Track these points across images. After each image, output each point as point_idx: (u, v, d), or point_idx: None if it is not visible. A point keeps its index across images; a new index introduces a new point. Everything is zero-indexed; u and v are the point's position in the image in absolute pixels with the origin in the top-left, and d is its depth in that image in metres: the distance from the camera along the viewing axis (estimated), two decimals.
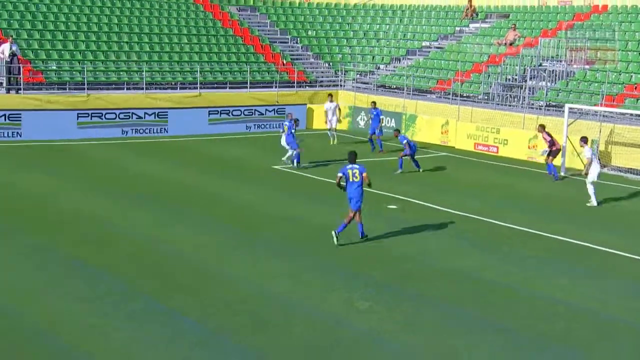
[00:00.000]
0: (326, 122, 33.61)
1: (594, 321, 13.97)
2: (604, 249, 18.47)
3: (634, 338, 13.21)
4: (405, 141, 27.45)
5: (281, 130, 28.65)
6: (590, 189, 22.71)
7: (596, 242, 18.92)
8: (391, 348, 12.40)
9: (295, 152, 27.31)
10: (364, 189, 17.75)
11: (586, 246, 18.69)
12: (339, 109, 34.19)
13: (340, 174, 17.82)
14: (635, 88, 31.31)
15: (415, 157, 27.51)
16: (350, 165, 17.87)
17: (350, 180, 17.67)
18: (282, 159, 27.92)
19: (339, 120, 34.12)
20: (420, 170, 27.60)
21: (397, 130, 29.24)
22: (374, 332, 13.05)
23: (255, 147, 31.81)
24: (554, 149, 27.10)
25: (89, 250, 17.23)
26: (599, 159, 23.78)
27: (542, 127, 27.61)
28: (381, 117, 33.14)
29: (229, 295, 14.67)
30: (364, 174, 17.73)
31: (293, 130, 27.58)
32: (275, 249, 17.79)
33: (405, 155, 27.29)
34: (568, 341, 12.94)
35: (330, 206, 21.91)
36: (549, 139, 27.11)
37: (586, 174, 23.10)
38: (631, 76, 32.37)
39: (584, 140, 24.17)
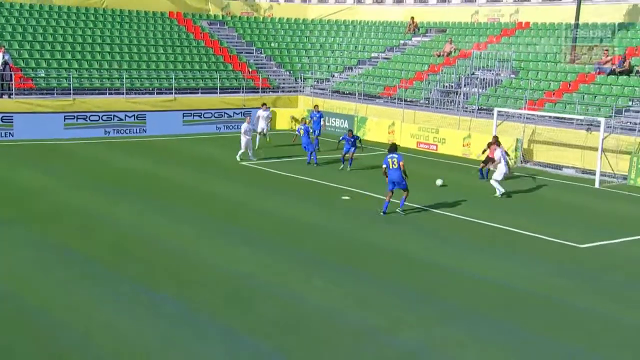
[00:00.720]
0: (257, 128, 31.02)
1: (507, 290, 14.34)
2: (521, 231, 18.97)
3: (540, 305, 13.63)
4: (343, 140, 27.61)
5: (297, 133, 29.01)
6: (494, 184, 22.84)
7: (515, 225, 19.34)
8: (346, 321, 12.58)
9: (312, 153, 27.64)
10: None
11: (501, 228, 19.13)
12: (270, 118, 32.73)
13: (384, 165, 19.59)
14: (553, 94, 31.83)
15: (366, 153, 27.65)
16: (390, 155, 19.60)
17: (391, 167, 19.35)
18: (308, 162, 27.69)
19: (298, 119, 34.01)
20: (347, 168, 27.00)
21: (350, 131, 28.54)
22: (330, 307, 13.22)
23: (224, 146, 31.72)
24: (491, 160, 25.10)
25: (77, 238, 17.15)
26: (507, 162, 23.38)
27: (495, 138, 25.43)
28: (323, 118, 32.52)
29: (204, 276, 14.74)
30: (401, 162, 19.35)
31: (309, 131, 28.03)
32: (244, 236, 17.81)
33: (347, 154, 26.81)
34: (490, 309, 13.26)
35: (289, 197, 22.18)
36: (499, 152, 24.14)
37: (492, 170, 23.72)
38: (550, 83, 32.86)
39: (496, 141, 24.43)
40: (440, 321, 12.80)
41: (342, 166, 27.00)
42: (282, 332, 12.07)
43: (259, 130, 31.01)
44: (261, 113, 31.42)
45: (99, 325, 12.14)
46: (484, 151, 26.14)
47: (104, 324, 12.19)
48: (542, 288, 14.72)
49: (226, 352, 11.28)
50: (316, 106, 33.08)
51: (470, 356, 11.38)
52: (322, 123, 31.74)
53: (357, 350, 11.54)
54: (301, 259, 16.12)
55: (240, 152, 27.75)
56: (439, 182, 23.82)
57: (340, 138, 27.65)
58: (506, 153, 24.79)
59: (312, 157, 27.75)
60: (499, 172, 22.98)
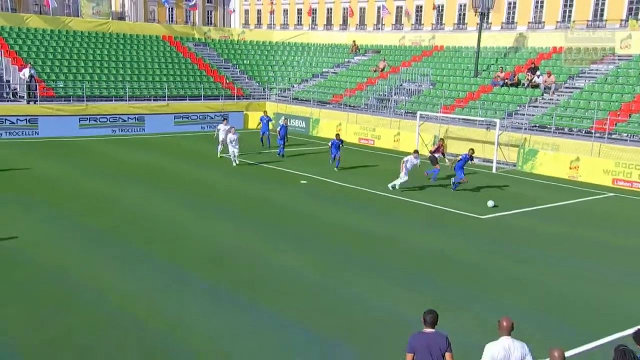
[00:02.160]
0: (218, 140, 26.40)
1: (438, 255, 14.61)
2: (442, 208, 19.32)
3: (451, 262, 13.83)
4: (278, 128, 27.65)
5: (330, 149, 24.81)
6: (398, 181, 21.00)
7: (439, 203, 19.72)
8: (303, 278, 12.75)
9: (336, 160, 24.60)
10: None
11: (425, 205, 19.36)
12: (234, 130, 25.07)
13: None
14: (462, 101, 32.29)
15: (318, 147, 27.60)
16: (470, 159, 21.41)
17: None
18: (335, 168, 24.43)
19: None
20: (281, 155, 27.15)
21: (337, 135, 25.61)
22: (289, 267, 13.35)
23: (207, 142, 31.51)
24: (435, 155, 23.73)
25: (90, 214, 16.99)
26: (407, 172, 20.88)
27: (442, 141, 24.68)
28: (271, 122, 31.24)
29: (192, 243, 14.73)
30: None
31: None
32: (226, 213, 17.83)
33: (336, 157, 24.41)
34: (419, 268, 13.52)
35: (261, 183, 22.17)
36: (439, 150, 23.61)
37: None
38: (459, 93, 33.35)
39: (415, 152, 21.79)
40: (378, 276, 12.98)
41: (335, 168, 24.48)
42: (253, 286, 12.17)
43: (220, 140, 26.15)
44: (222, 127, 26.52)
45: (109, 282, 12.10)
46: (433, 150, 24.16)
47: (113, 281, 12.17)
48: (452, 249, 15.03)
49: (210, 301, 11.35)
50: (265, 112, 32.43)
51: (400, 300, 11.64)
52: (269, 126, 30.36)
53: (309, 298, 11.72)
54: (268, 231, 16.15)
55: (219, 148, 26.46)
56: (490, 203, 19.42)
57: (330, 142, 24.89)
58: (443, 154, 23.26)
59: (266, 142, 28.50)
60: (403, 179, 20.99)
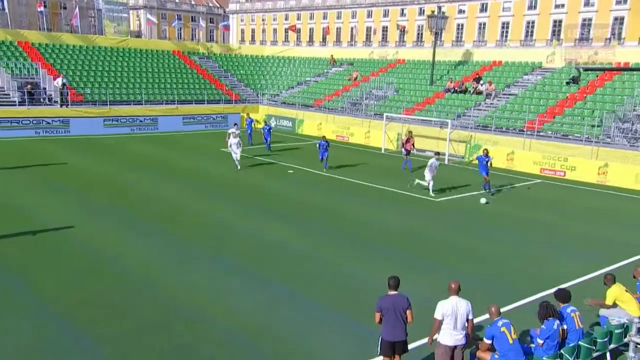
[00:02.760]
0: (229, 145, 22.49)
1: (402, 231, 14.67)
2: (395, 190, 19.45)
3: (413, 238, 13.96)
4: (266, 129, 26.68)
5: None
6: (428, 184, 18.81)
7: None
8: (292, 249, 12.78)
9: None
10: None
11: (389, 190, 19.43)
12: (235, 134, 22.65)
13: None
14: (420, 104, 32.34)
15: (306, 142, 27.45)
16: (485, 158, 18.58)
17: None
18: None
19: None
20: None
21: (324, 137, 23.05)
22: (282, 239, 13.40)
23: (210, 138, 31.33)
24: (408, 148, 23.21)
25: (113, 198, 16.88)
26: (431, 172, 18.68)
27: (410, 133, 23.92)
28: (253, 123, 29.88)
29: (195, 221, 14.67)
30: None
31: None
32: (226, 197, 17.76)
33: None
34: (382, 240, 13.60)
35: (255, 172, 22.10)
36: (409, 142, 23.12)
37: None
38: (418, 98, 33.40)
39: (436, 154, 19.42)
40: (348, 247, 13.07)
41: (324, 168, 22.48)
42: (245, 254, 12.19)
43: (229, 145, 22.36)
44: (232, 131, 23.27)
45: (127, 250, 12.06)
46: (404, 144, 23.55)
47: (132, 250, 12.12)
48: (413, 226, 15.13)
49: (210, 268, 11.37)
50: (248, 114, 31.95)
51: (368, 268, 11.71)
52: (252, 126, 29.61)
53: (294, 264, 11.77)
54: (262, 210, 16.15)
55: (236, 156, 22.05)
56: (482, 200, 18.02)
57: (317, 144, 22.88)
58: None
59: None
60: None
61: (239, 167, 22.06)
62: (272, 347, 8.34)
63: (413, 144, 23.58)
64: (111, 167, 21.96)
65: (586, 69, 29.55)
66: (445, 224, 15.58)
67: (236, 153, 22.04)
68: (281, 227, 14.43)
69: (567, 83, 29.54)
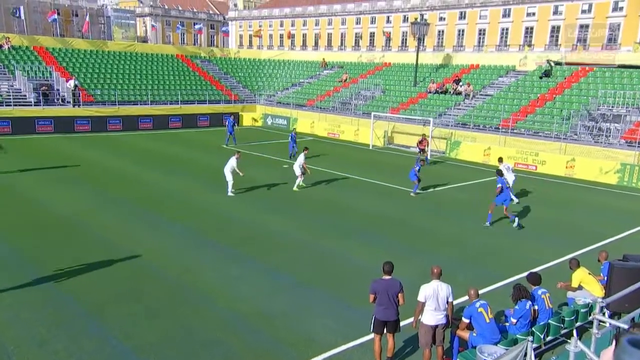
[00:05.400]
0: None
1: (389, 220, 14.73)
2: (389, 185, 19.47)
3: (399, 225, 13.89)
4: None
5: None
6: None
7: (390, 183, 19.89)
8: (290, 238, 12.74)
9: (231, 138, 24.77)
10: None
11: (378, 183, 19.48)
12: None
13: (499, 184, 14.07)
14: (405, 104, 32.28)
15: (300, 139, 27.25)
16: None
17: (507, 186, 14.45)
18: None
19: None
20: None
21: (294, 128, 22.17)
22: (281, 229, 13.33)
23: (212, 134, 31.16)
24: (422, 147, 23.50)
25: (121, 189, 16.72)
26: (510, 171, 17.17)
27: (424, 136, 24.08)
28: (235, 125, 27.94)
29: (200, 210, 14.62)
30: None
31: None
32: (225, 189, 17.71)
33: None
34: (372, 228, 13.58)
35: (252, 167, 22.00)
36: (423, 142, 23.48)
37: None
38: (402, 98, 33.35)
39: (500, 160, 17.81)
40: (346, 236, 13.02)
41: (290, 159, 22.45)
42: (246, 243, 12.17)
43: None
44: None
45: (130, 237, 11.98)
46: (419, 142, 23.66)
47: (140, 238, 12.03)
48: (400, 215, 15.11)
49: (214, 255, 11.34)
50: (231, 114, 31.47)
51: (363, 254, 11.72)
52: (233, 127, 27.81)
53: (293, 252, 11.76)
54: (258, 202, 16.12)
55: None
56: (515, 200, 16.61)
57: (289, 136, 22.06)
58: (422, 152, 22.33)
59: (231, 141, 26.54)
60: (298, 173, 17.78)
61: (233, 192, 16.79)
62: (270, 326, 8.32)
63: (428, 144, 24.27)
64: (118, 161, 21.76)
65: (557, 64, 29.96)
66: (428, 212, 15.62)
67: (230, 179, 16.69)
68: (279, 217, 14.40)
69: (541, 77, 29.80)
